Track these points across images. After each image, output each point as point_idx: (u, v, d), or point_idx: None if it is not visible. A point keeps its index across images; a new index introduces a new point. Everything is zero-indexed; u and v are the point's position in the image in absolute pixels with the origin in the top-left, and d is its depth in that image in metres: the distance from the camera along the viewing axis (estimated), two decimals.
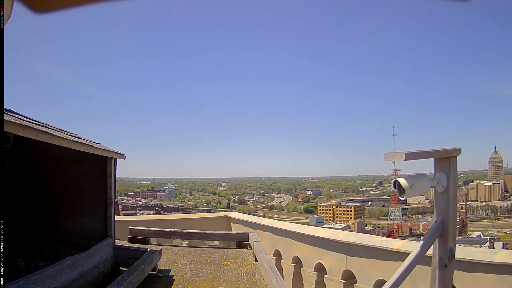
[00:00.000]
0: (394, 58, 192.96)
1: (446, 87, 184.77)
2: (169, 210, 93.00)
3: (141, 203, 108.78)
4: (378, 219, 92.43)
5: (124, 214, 46.60)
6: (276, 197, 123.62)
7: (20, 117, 2.58)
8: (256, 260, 4.17)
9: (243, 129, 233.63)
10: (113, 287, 2.74)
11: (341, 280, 4.77)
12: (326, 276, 5.04)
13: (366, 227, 79.01)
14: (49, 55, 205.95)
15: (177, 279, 3.63)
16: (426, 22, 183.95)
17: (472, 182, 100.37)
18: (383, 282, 2.10)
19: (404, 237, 64.36)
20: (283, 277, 3.21)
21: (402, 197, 1.95)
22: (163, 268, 3.98)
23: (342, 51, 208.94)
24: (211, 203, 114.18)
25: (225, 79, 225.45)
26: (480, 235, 67.49)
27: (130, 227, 5.06)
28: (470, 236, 66.43)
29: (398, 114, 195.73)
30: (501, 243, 56.70)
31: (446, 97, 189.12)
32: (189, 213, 66.93)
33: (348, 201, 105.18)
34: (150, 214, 52.74)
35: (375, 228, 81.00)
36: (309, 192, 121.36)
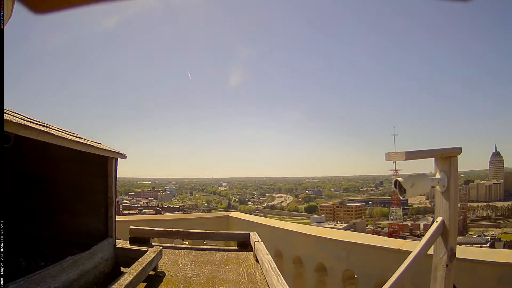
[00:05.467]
0: (395, 58, 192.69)
1: (447, 87, 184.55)
2: (170, 210, 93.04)
3: (141, 203, 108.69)
4: (378, 219, 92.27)
5: (125, 214, 46.66)
6: (277, 197, 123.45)
7: (21, 116, 2.58)
8: (257, 260, 4.16)
9: (244, 129, 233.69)
10: (113, 287, 2.75)
11: (342, 280, 4.77)
12: (326, 276, 5.04)
13: (366, 227, 78.89)
14: (49, 54, 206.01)
15: (178, 279, 3.63)
16: (429, 22, 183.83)
17: (472, 182, 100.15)
18: (384, 281, 2.10)
19: (405, 237, 64.24)
20: (284, 277, 3.20)
21: (403, 197, 1.95)
22: (163, 268, 3.97)
23: (342, 51, 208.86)
24: (212, 203, 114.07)
25: (225, 79, 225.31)
26: (480, 235, 67.47)
27: (131, 227, 5.04)
28: (471, 236, 66.41)
29: (399, 114, 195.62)
30: (502, 243, 56.69)
31: (447, 96, 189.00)
32: (190, 213, 67.00)
33: (349, 201, 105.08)
34: (151, 214, 52.79)
35: (376, 228, 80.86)
36: (309, 192, 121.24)
